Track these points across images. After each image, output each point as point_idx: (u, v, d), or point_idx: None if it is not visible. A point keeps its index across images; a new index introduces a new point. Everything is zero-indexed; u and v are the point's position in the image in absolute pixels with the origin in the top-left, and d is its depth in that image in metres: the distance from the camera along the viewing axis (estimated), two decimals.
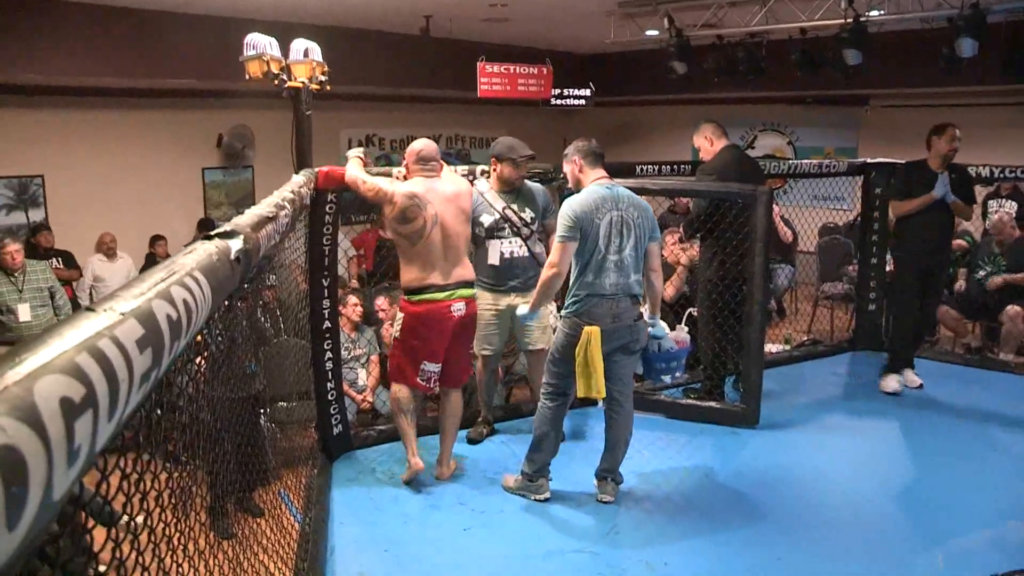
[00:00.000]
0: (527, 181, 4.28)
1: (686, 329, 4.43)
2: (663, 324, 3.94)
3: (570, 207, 3.45)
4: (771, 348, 6.11)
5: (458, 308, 3.73)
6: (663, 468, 4.10)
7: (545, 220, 4.21)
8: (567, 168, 3.69)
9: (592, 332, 3.42)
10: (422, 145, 3.81)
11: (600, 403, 3.58)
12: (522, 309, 3.74)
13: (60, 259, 7.49)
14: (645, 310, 3.76)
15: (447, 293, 3.71)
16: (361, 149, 4.17)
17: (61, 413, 0.74)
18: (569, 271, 3.57)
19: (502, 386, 5.39)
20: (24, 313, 5.69)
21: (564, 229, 3.44)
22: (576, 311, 3.49)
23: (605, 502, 3.69)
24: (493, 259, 4.17)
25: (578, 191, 3.63)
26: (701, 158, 4.86)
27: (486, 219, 4.16)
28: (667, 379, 4.17)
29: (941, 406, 4.99)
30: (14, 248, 5.73)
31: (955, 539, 3.38)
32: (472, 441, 4.41)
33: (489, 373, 4.43)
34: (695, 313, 5.15)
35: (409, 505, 3.72)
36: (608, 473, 3.73)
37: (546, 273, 3.53)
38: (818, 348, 6.36)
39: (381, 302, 5.86)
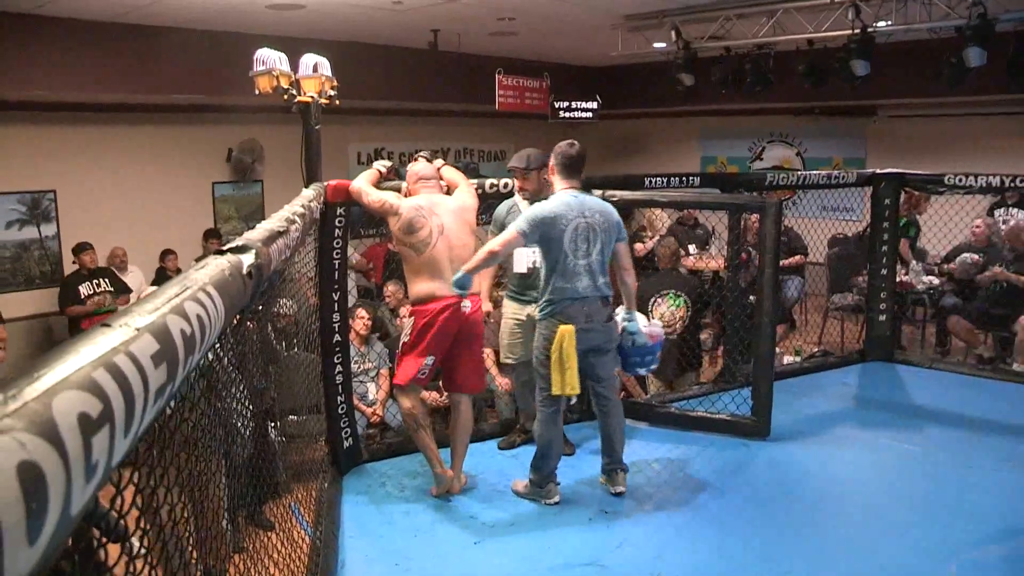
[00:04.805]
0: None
1: (659, 324, 4.45)
2: (639, 319, 3.99)
3: (535, 213, 3.63)
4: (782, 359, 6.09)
5: (466, 304, 3.77)
6: (673, 480, 4.09)
7: None
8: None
9: (566, 331, 3.56)
10: (421, 167, 3.98)
11: (573, 400, 3.70)
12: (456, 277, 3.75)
13: (107, 280, 7.33)
14: (620, 309, 3.93)
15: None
16: (386, 162, 4.21)
17: (79, 428, 0.75)
18: (538, 276, 3.79)
19: (510, 397, 5.41)
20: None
21: (523, 225, 3.61)
22: (551, 312, 3.64)
23: (618, 493, 3.82)
24: (519, 267, 4.23)
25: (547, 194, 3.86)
26: None
27: None
28: (642, 371, 4.25)
29: (953, 417, 4.96)
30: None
31: (968, 552, 3.34)
32: (502, 448, 4.50)
33: (522, 382, 4.45)
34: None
35: (419, 519, 3.72)
36: (613, 465, 3.86)
37: (490, 247, 3.64)
38: (828, 359, 6.34)
39: (392, 288, 6.20)
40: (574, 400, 3.71)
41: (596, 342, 3.70)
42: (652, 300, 5.49)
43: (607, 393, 3.82)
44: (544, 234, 3.60)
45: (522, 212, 4.23)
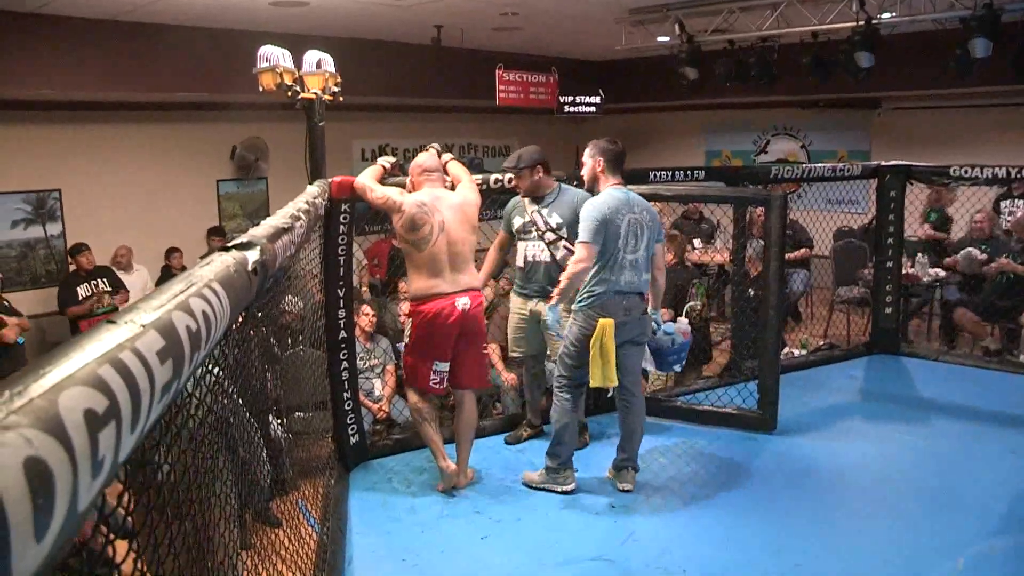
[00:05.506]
0: (568, 188, 4.28)
1: (687, 321, 4.50)
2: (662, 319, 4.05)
3: (597, 210, 3.61)
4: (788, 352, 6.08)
5: (463, 302, 3.75)
6: (680, 474, 4.09)
7: None
8: (588, 162, 3.82)
9: (606, 324, 3.59)
10: (425, 158, 3.94)
11: (611, 391, 3.78)
12: (549, 314, 3.81)
13: (105, 279, 7.29)
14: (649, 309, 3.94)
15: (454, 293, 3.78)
16: (390, 158, 4.21)
17: (85, 425, 0.74)
18: None
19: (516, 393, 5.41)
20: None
21: (590, 233, 3.58)
22: (590, 304, 3.66)
23: (625, 490, 3.83)
24: (519, 261, 4.27)
25: (591, 190, 3.85)
26: None
27: (517, 221, 4.26)
28: (677, 368, 4.32)
29: (960, 410, 4.95)
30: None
31: (974, 544, 3.34)
32: (509, 442, 4.51)
33: (531, 376, 4.48)
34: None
35: (426, 514, 3.72)
36: (627, 462, 3.89)
37: (575, 267, 3.62)
38: (834, 352, 6.33)
39: (401, 287, 6.14)
40: (611, 392, 3.76)
41: (632, 334, 3.75)
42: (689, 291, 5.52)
43: (633, 388, 3.84)
44: (606, 231, 3.62)
45: (524, 207, 4.25)
